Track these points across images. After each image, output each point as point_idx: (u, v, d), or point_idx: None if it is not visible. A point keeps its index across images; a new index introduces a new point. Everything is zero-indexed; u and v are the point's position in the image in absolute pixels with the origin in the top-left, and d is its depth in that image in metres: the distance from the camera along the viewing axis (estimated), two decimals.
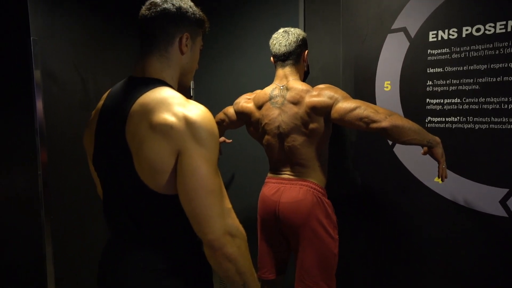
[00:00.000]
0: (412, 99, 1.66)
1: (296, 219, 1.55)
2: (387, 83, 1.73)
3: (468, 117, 1.54)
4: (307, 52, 1.68)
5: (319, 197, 1.57)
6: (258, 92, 1.71)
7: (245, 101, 1.73)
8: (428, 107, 1.63)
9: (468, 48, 1.51)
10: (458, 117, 1.56)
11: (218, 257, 0.87)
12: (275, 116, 1.60)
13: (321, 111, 1.51)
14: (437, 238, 1.64)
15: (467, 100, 1.54)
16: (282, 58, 1.63)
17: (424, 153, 1.45)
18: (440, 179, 1.44)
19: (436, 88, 1.60)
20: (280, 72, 1.64)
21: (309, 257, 1.55)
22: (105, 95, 1.05)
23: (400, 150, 1.72)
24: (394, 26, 1.69)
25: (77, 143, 2.01)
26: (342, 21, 1.84)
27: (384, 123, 1.38)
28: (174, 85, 1.00)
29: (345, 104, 1.47)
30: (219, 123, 1.89)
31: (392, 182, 1.75)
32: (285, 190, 1.59)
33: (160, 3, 0.96)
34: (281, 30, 1.66)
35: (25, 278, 2.13)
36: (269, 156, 1.70)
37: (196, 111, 0.86)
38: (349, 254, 1.87)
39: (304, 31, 1.94)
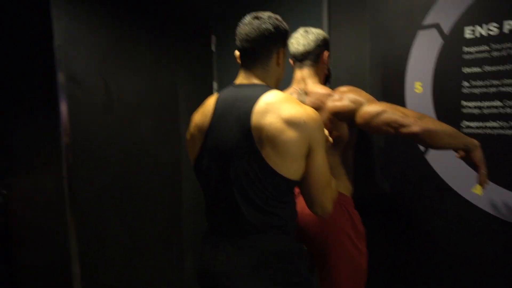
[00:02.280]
0: (446, 101, 1.52)
1: (320, 231, 1.46)
2: (418, 84, 1.59)
3: (510, 122, 1.38)
4: (328, 54, 1.57)
5: (345, 207, 1.47)
6: None
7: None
8: (465, 110, 1.48)
9: (511, 45, 1.35)
10: (499, 122, 1.40)
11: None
12: None
13: (344, 116, 1.41)
14: (475, 254, 1.49)
15: (509, 103, 1.37)
16: (300, 58, 1.53)
17: (460, 157, 1.31)
18: (479, 188, 1.29)
19: (473, 90, 1.45)
20: (298, 74, 1.55)
21: (335, 273, 1.45)
22: (211, 102, 1.15)
23: (433, 157, 1.58)
24: (425, 22, 1.55)
25: (101, 145, 2.03)
26: (368, 18, 1.72)
27: (415, 127, 1.26)
28: None
29: (371, 108, 1.36)
30: None
31: (425, 192, 1.61)
32: None
33: (260, 23, 1.09)
34: (301, 29, 1.57)
35: (52, 279, 2.19)
36: None
37: (314, 111, 1.05)
38: (378, 269, 1.75)
39: (329, 29, 1.84)
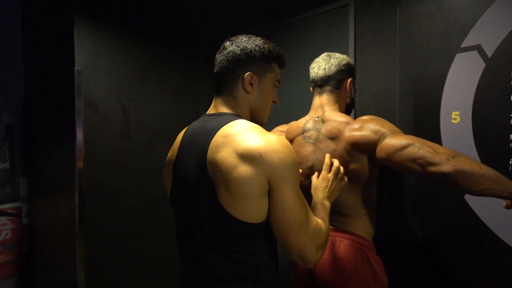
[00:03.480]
0: (490, 134, 1.31)
1: (336, 281, 1.27)
2: (455, 114, 1.39)
3: None
4: (351, 81, 1.40)
5: (364, 253, 1.28)
6: (291, 124, 1.49)
7: (278, 135, 1.52)
8: None
9: None
10: None
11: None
12: (308, 153, 1.36)
13: (364, 148, 1.24)
14: None
15: None
16: (320, 83, 1.39)
17: (507, 207, 1.08)
18: None
19: None
20: (316, 100, 1.41)
21: None
22: (181, 134, 1.08)
23: (473, 197, 1.35)
24: (464, 44, 1.37)
25: (115, 172, 1.98)
26: (399, 40, 1.56)
27: (446, 167, 1.07)
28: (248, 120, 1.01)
29: (394, 140, 1.18)
30: None
31: (462, 237, 1.38)
32: None
33: (227, 46, 1.01)
34: (324, 54, 1.44)
35: None
36: None
37: (279, 140, 0.89)
38: None
39: (355, 53, 1.70)
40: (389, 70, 1.59)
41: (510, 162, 1.26)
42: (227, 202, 0.87)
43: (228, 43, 1.02)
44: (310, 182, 1.35)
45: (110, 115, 1.96)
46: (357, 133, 1.24)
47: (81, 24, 1.84)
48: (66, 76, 1.86)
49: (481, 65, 1.32)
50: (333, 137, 1.29)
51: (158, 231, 2.16)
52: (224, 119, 0.95)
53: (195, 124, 1.03)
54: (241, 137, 0.87)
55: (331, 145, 1.30)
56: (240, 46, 0.99)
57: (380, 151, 1.20)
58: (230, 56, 0.99)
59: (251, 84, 1.00)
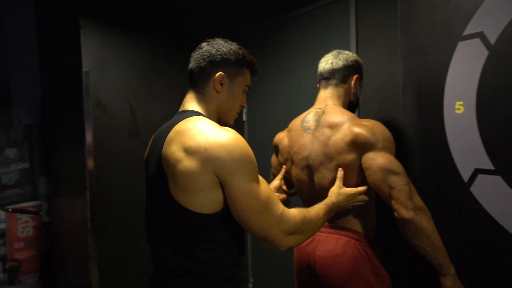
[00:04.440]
0: (494, 123, 1.27)
1: (334, 279, 1.26)
2: (459, 104, 1.35)
3: None
4: (357, 77, 1.37)
5: (363, 249, 1.26)
6: (298, 117, 1.48)
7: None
8: None
9: None
10: None
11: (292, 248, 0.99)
12: (305, 143, 1.35)
13: (360, 146, 1.20)
14: None
15: None
16: (326, 76, 1.37)
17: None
18: None
19: None
20: (321, 94, 1.39)
21: None
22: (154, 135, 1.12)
23: (480, 189, 1.31)
24: (466, 32, 1.33)
25: (124, 170, 2.03)
26: (400, 31, 1.53)
27: (407, 213, 1.12)
28: (212, 118, 1.03)
29: (385, 160, 1.16)
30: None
31: (468, 229, 1.34)
32: (321, 240, 1.31)
33: (204, 46, 1.06)
34: (335, 50, 1.42)
35: None
36: (300, 195, 1.44)
37: (228, 134, 0.90)
38: None
39: (357, 45, 1.67)
40: (391, 61, 1.56)
41: None
42: (176, 194, 0.90)
43: (205, 43, 1.07)
44: (307, 173, 1.35)
45: (118, 114, 2.01)
46: (357, 129, 1.21)
47: (87, 27, 1.89)
48: (75, 77, 1.92)
49: (484, 52, 1.28)
50: (332, 126, 1.27)
51: None
52: (184, 116, 0.98)
53: (165, 123, 1.06)
54: (190, 132, 0.90)
55: (328, 133, 1.27)
56: (216, 47, 1.04)
57: (367, 161, 1.19)
58: (205, 55, 1.03)
59: (222, 84, 1.03)
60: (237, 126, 2.39)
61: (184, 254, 0.93)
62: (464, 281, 1.36)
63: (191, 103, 1.05)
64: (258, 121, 2.31)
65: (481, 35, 1.29)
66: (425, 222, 1.13)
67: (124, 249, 2.04)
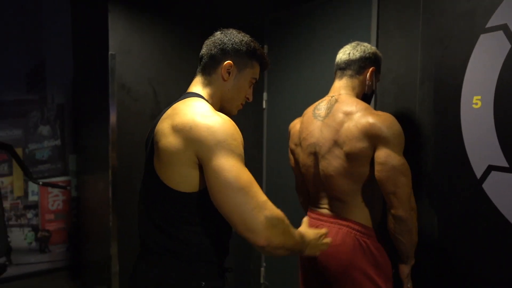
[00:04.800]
0: (511, 119, 1.23)
1: (333, 268, 1.28)
2: (477, 98, 1.32)
3: None
4: (373, 70, 1.36)
5: (363, 240, 1.27)
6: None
7: (297, 118, 1.53)
8: None
9: None
10: None
11: (270, 251, 0.86)
12: (313, 129, 1.36)
13: (370, 138, 1.20)
14: None
15: None
16: (342, 67, 1.37)
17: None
18: None
19: None
20: (336, 83, 1.39)
21: None
22: None
23: (492, 186, 1.29)
24: (489, 24, 1.28)
25: (144, 151, 2.11)
26: (422, 23, 1.49)
27: (402, 212, 1.19)
28: (214, 104, 1.04)
29: (399, 160, 1.18)
30: (298, 181, 1.60)
31: (479, 226, 1.32)
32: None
33: (217, 34, 1.08)
34: (354, 42, 1.41)
35: (93, 275, 2.32)
36: (306, 183, 1.45)
37: (217, 118, 0.90)
38: None
39: (377, 36, 1.65)
40: (411, 54, 1.53)
41: None
42: (158, 169, 0.93)
43: (218, 32, 1.09)
44: (313, 160, 1.36)
45: (141, 97, 2.08)
46: (372, 119, 1.19)
47: (115, 11, 1.96)
48: (102, 60, 2.01)
49: (507, 45, 1.24)
50: (346, 113, 1.26)
51: None
52: (185, 96, 1.02)
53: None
54: (182, 111, 0.92)
55: (341, 120, 1.27)
56: (228, 37, 1.05)
57: (379, 154, 1.19)
58: (217, 43, 1.05)
59: (229, 73, 1.04)
60: (257, 113, 2.42)
61: (167, 233, 0.94)
62: (471, 279, 1.35)
63: (196, 86, 1.07)
64: (278, 109, 2.32)
65: (504, 28, 1.25)
66: (414, 222, 1.21)
67: None
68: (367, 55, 1.35)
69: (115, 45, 1.97)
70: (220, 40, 1.05)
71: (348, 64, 1.36)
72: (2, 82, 2.64)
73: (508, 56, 1.24)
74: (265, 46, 2.38)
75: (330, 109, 1.32)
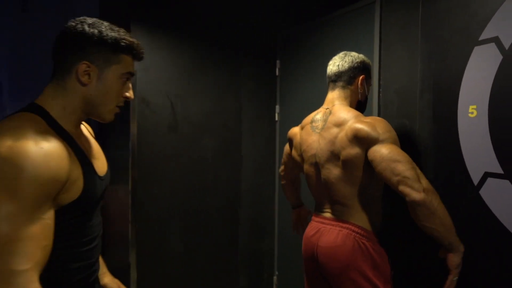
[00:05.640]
0: (505, 127, 1.28)
1: (333, 268, 1.34)
2: (472, 107, 1.37)
3: None
4: (363, 78, 1.45)
5: (362, 242, 1.33)
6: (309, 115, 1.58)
7: (296, 127, 1.63)
8: None
9: None
10: None
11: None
12: (312, 141, 1.45)
13: (362, 141, 1.27)
14: None
15: None
16: (333, 79, 1.47)
17: (441, 256, 1.24)
18: None
19: None
20: (329, 95, 1.48)
21: None
22: None
23: (489, 194, 1.33)
24: (482, 37, 1.35)
25: (164, 161, 2.24)
26: (420, 36, 1.56)
27: (418, 195, 1.13)
28: (68, 116, 0.88)
29: (388, 150, 1.21)
30: (287, 167, 1.78)
31: (476, 234, 1.36)
32: (324, 232, 1.40)
33: (66, 26, 0.86)
34: (341, 52, 1.51)
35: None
36: (310, 189, 1.53)
37: (8, 146, 0.71)
38: None
39: (380, 49, 1.73)
40: (412, 66, 1.60)
41: None
42: None
43: (71, 23, 0.87)
44: (314, 170, 1.45)
45: (159, 110, 2.22)
46: (359, 125, 1.28)
47: (137, 30, 2.13)
48: None
49: (498, 57, 1.29)
50: (338, 125, 1.35)
51: (202, 216, 2.38)
52: (16, 112, 0.84)
53: None
54: None
55: (335, 132, 1.35)
56: (79, 29, 0.84)
57: (372, 153, 1.24)
58: (63, 38, 0.85)
59: (88, 75, 0.86)
60: (269, 126, 2.52)
61: None
62: (468, 284, 1.38)
63: (45, 94, 0.87)
64: (290, 121, 2.41)
65: (496, 40, 1.31)
66: (436, 203, 1.14)
67: (160, 236, 2.24)
68: (355, 64, 1.44)
69: (136, 62, 2.12)
70: (69, 36, 0.84)
71: (338, 76, 1.45)
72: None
73: (500, 67, 1.29)
74: (278, 61, 2.49)
75: (325, 121, 1.41)
